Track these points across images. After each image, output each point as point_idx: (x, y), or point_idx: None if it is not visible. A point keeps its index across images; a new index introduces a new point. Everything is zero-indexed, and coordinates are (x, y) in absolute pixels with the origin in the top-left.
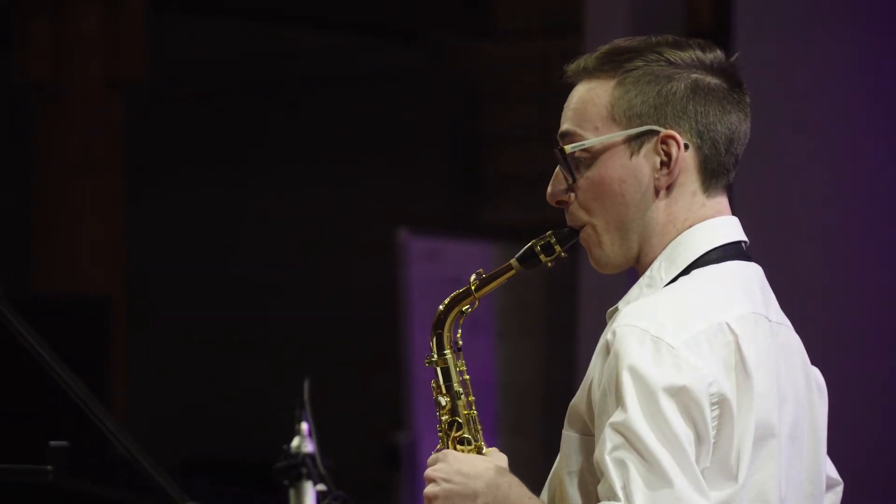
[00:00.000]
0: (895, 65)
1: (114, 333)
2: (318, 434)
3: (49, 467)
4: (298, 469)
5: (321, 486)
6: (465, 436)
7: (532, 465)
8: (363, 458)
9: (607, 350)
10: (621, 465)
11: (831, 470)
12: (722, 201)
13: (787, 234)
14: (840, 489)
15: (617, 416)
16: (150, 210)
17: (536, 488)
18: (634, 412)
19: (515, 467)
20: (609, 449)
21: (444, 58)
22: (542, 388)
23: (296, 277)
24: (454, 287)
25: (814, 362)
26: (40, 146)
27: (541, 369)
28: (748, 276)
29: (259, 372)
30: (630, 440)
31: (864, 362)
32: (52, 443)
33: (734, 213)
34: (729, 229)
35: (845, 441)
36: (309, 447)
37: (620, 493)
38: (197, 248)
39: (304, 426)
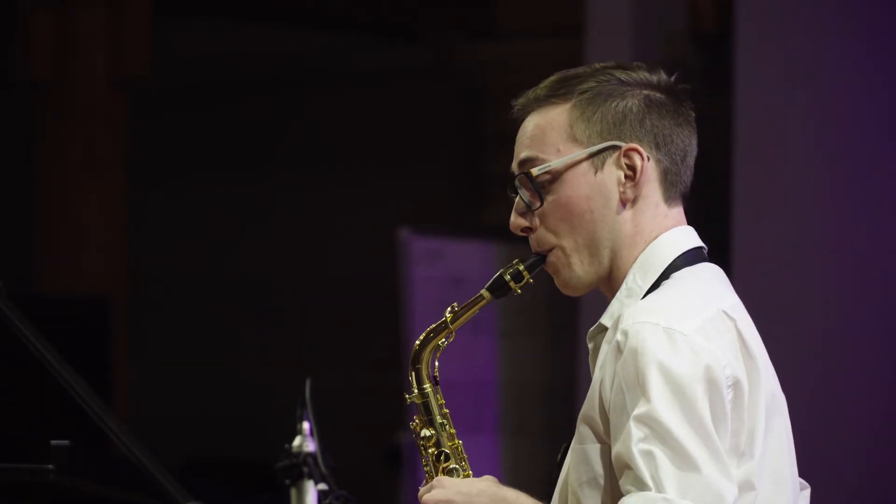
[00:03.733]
0: None
1: (116, 333)
2: (320, 433)
3: (51, 466)
4: (300, 468)
5: (322, 486)
6: (454, 466)
7: (534, 464)
8: (365, 457)
9: (619, 350)
10: (649, 455)
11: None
12: (680, 212)
13: (785, 234)
14: (808, 493)
15: (640, 408)
16: (152, 209)
17: (538, 488)
18: (658, 402)
19: (518, 466)
20: (635, 441)
21: (445, 58)
22: (544, 388)
23: (297, 277)
24: (456, 287)
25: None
26: (43, 145)
27: (543, 369)
28: (720, 276)
29: (261, 371)
30: (656, 430)
31: (861, 359)
32: (54, 442)
33: (734, 212)
34: (691, 237)
35: (840, 435)
36: (310, 446)
37: (650, 483)
38: (199, 247)
39: (306, 425)
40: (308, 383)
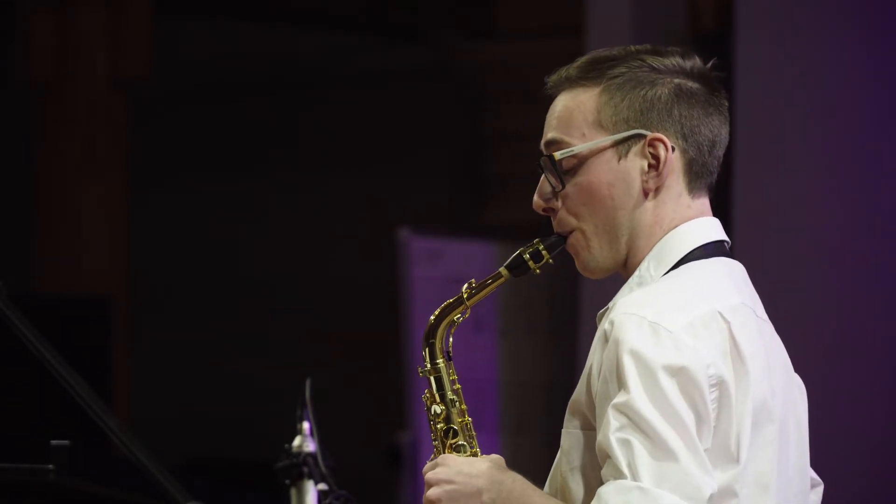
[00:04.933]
0: None
1: (116, 332)
2: (320, 433)
3: (51, 466)
4: (300, 468)
5: (322, 486)
6: (461, 443)
7: (535, 462)
8: (365, 457)
9: (605, 339)
10: (626, 444)
11: (811, 472)
12: (705, 203)
13: (785, 233)
14: (821, 489)
15: (619, 398)
16: (152, 209)
17: (539, 487)
18: (637, 392)
19: (518, 465)
20: (613, 429)
21: (445, 58)
22: (545, 386)
23: (297, 277)
24: (456, 287)
25: (807, 366)
26: (43, 145)
27: (543, 367)
28: (734, 272)
29: (261, 371)
30: (633, 420)
31: (862, 359)
32: (54, 442)
33: (735, 212)
34: (713, 229)
35: (841, 435)
36: (310, 446)
37: (626, 471)
38: (199, 247)
39: (306, 425)
40: (308, 383)
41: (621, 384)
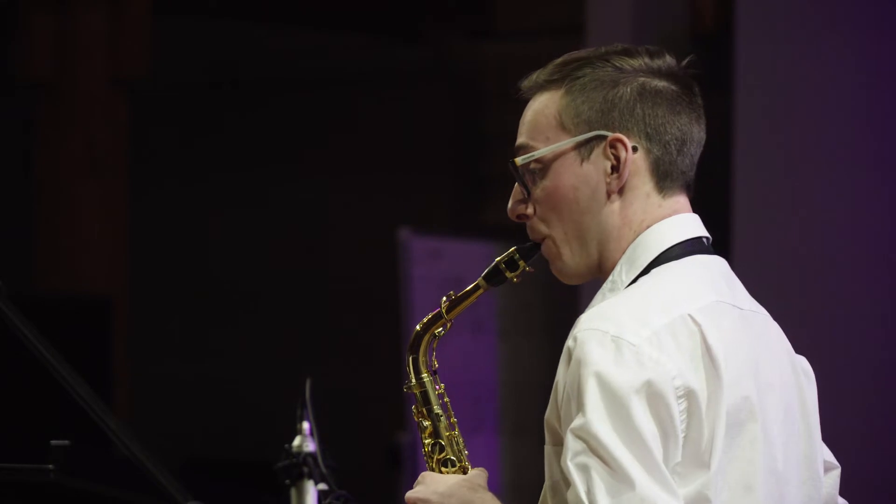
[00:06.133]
0: None
1: (116, 333)
2: (320, 433)
3: (50, 466)
4: (300, 468)
5: (322, 486)
6: (449, 457)
7: (533, 465)
8: (365, 457)
9: (569, 356)
10: (584, 469)
11: (828, 454)
12: (680, 200)
13: (785, 233)
14: (837, 472)
15: (577, 421)
16: (153, 209)
17: (537, 489)
18: (594, 415)
19: (517, 466)
20: (571, 455)
21: (445, 58)
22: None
23: (297, 277)
24: (456, 286)
25: (809, 356)
26: (43, 144)
27: (542, 369)
28: (711, 269)
29: (261, 371)
30: (591, 445)
31: (861, 358)
32: (54, 442)
33: (735, 212)
34: (688, 226)
35: (840, 435)
36: (310, 446)
37: (585, 498)
38: (199, 247)
39: (306, 425)
40: (308, 383)
41: (580, 405)
